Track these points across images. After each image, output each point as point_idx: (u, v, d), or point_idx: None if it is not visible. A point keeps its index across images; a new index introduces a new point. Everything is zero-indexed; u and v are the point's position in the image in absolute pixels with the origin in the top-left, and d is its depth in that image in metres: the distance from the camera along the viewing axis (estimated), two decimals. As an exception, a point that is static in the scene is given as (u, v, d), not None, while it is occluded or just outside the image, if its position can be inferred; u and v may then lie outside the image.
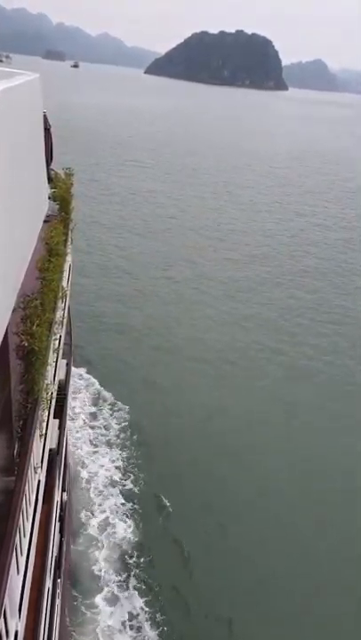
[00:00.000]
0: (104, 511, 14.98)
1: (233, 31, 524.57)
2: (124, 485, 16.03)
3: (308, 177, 68.00)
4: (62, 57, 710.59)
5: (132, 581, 13.13)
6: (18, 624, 4.24)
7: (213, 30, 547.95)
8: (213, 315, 27.97)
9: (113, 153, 67.06)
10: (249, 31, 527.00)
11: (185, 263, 34.76)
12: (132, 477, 16.43)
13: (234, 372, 23.05)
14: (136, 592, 12.88)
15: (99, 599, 12.53)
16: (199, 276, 33.03)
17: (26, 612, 4.72)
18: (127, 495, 15.69)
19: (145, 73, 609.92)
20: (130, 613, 12.33)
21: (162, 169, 63.66)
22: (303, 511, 15.88)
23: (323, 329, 27.20)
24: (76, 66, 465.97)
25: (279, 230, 44.55)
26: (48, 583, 6.08)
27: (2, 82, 4.56)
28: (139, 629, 12.04)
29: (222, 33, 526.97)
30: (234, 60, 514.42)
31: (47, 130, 9.68)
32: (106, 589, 12.79)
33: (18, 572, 4.40)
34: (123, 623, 12.09)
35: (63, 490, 9.44)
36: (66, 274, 10.31)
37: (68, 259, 11.38)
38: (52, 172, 12.04)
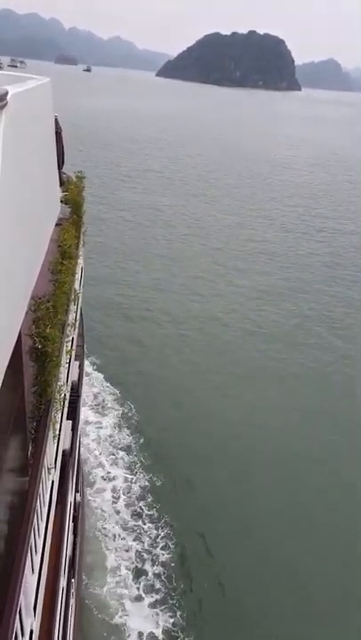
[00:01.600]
0: (117, 511, 15.03)
1: (245, 32, 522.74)
2: (136, 484, 16.08)
3: (333, 187, 62.85)
4: (74, 61, 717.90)
5: (146, 581, 13.15)
6: (33, 623, 4.29)
7: (226, 31, 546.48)
8: (227, 322, 27.85)
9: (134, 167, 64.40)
10: (261, 31, 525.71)
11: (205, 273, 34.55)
12: (145, 476, 16.47)
13: (244, 374, 22.97)
14: (150, 592, 12.90)
15: (112, 599, 12.57)
16: (214, 286, 32.99)
17: (41, 612, 4.76)
18: (140, 494, 15.73)
19: (157, 75, 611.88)
20: (144, 614, 12.34)
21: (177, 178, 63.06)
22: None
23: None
24: (88, 70, 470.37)
25: (306, 250, 40.23)
26: (62, 583, 6.14)
27: (13, 86, 4.63)
28: (153, 629, 12.04)
29: (234, 34, 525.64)
30: (246, 61, 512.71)
31: (58, 133, 9.78)
32: (119, 590, 12.82)
33: (33, 572, 4.45)
34: (136, 627, 12.10)
35: (76, 491, 9.51)
36: (78, 276, 10.41)
37: (80, 261, 11.49)
38: (64, 176, 12.15)
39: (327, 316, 28.79)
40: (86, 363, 18.03)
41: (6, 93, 4.10)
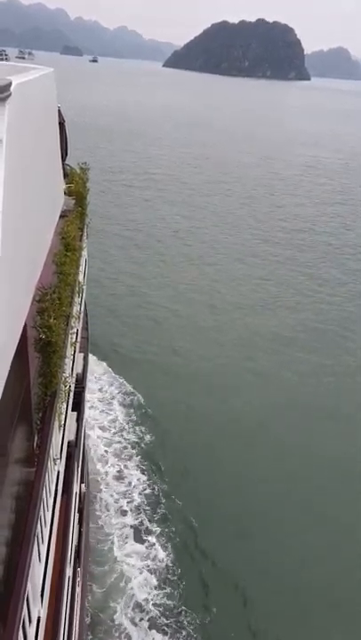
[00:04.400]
0: (121, 502, 15.14)
1: (254, 20, 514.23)
2: (141, 477, 16.17)
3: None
4: (80, 52, 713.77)
5: (151, 572, 13.26)
6: (40, 611, 4.35)
7: (234, 19, 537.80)
8: (236, 314, 27.66)
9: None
10: (270, 19, 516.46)
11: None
12: (150, 469, 16.55)
13: (254, 364, 22.93)
14: (155, 583, 13.02)
15: (117, 589, 12.71)
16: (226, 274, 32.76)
17: (47, 600, 4.83)
18: (145, 487, 15.83)
19: (163, 66, 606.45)
20: (148, 605, 12.46)
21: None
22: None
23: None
24: (94, 61, 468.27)
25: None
26: (68, 572, 6.21)
27: (17, 76, 4.59)
28: (156, 619, 12.17)
29: (243, 22, 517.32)
30: (254, 50, 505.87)
31: (61, 124, 9.71)
32: (124, 579, 12.96)
33: (39, 561, 4.50)
34: (141, 613, 12.25)
35: (82, 481, 9.59)
36: (82, 268, 10.41)
37: (84, 253, 11.48)
38: (67, 168, 12.08)
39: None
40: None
41: (10, 84, 4.07)
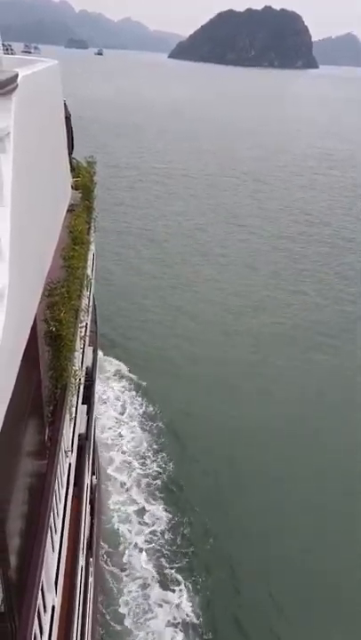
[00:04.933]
0: (132, 495, 15.26)
1: (260, 7, 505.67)
2: (151, 468, 16.26)
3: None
4: (85, 45, 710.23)
5: (162, 562, 13.37)
6: (54, 599, 4.42)
7: (240, 7, 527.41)
8: (245, 302, 27.50)
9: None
10: (277, 6, 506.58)
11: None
12: (159, 460, 16.61)
13: (264, 357, 22.79)
14: (165, 573, 13.13)
15: (128, 579, 12.85)
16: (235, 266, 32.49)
17: (61, 589, 4.90)
18: (155, 477, 15.92)
19: (169, 57, 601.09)
20: (160, 595, 12.59)
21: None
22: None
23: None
24: (99, 53, 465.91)
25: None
26: (81, 561, 6.29)
27: (23, 69, 4.58)
28: (169, 609, 12.29)
29: (249, 10, 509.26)
30: (261, 39, 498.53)
31: (67, 118, 9.69)
32: (135, 570, 13.09)
33: (53, 550, 4.57)
34: (153, 603, 12.37)
35: (92, 473, 9.69)
36: (90, 262, 10.44)
37: (92, 247, 11.50)
38: (74, 162, 12.07)
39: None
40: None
41: (16, 76, 4.05)
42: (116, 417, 18.63)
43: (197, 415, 18.93)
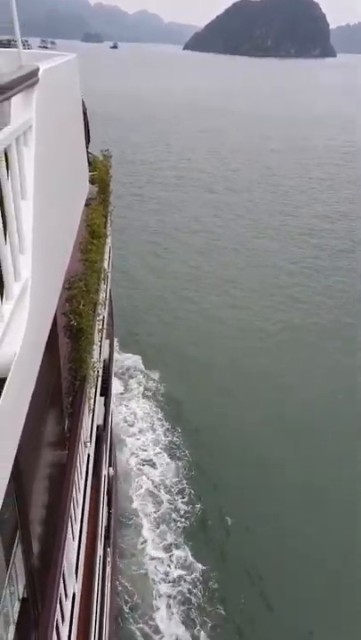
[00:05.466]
0: (147, 486, 15.40)
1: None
2: (165, 460, 16.36)
3: None
4: (101, 38, 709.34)
5: (178, 553, 13.48)
6: (75, 586, 4.51)
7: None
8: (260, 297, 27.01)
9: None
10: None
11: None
12: (174, 452, 16.66)
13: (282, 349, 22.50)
14: (182, 563, 13.23)
15: (144, 570, 13.01)
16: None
17: (81, 577, 5.00)
18: (170, 469, 16.00)
19: (184, 49, 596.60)
20: (175, 587, 12.70)
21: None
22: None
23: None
24: (115, 47, 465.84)
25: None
26: (99, 551, 6.40)
27: (43, 62, 4.60)
28: (184, 600, 12.42)
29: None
30: (277, 28, 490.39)
31: (83, 113, 9.73)
32: (151, 562, 13.24)
33: (73, 539, 4.66)
34: (168, 596, 12.50)
35: (109, 465, 9.81)
36: (107, 255, 10.50)
37: (108, 241, 11.56)
38: (90, 155, 12.12)
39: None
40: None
41: (38, 69, 4.07)
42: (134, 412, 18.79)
43: (211, 409, 18.81)
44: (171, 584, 12.78)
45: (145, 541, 13.70)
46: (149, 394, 19.48)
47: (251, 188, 48.13)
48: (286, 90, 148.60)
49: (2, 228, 2.75)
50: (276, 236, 36.36)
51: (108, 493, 8.66)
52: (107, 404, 8.98)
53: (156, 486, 15.44)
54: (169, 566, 13.19)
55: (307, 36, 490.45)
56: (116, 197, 13.53)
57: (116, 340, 20.54)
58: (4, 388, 2.49)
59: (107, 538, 8.18)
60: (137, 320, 24.22)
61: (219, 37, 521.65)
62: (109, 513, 9.11)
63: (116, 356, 20.20)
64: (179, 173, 51.35)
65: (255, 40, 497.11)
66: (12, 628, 3.31)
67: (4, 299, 2.81)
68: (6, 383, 2.52)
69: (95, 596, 5.61)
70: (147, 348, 22.31)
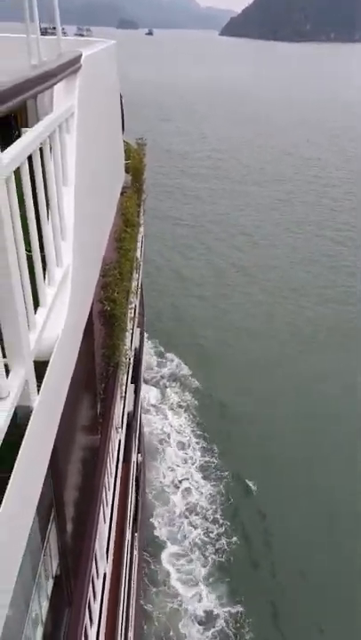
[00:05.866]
0: (174, 472, 15.55)
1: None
2: (193, 448, 16.45)
3: None
4: (136, 25, 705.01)
5: (202, 540, 13.61)
6: (106, 567, 4.62)
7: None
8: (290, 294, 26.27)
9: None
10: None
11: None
12: (202, 440, 16.72)
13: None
14: (205, 551, 13.35)
15: (169, 556, 13.20)
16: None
17: (111, 559, 5.11)
18: (197, 458, 16.10)
19: (220, 35, 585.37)
20: (198, 573, 12.85)
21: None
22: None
23: None
24: (150, 33, 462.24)
25: None
26: (128, 535, 6.52)
27: (84, 49, 4.60)
28: (207, 586, 12.56)
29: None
30: (317, 12, 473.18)
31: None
32: (176, 547, 13.42)
33: (104, 521, 4.76)
34: (192, 581, 12.67)
35: (138, 451, 9.94)
36: (139, 244, 10.53)
37: (141, 230, 11.57)
38: (124, 144, 12.07)
39: None
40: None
41: (80, 55, 4.07)
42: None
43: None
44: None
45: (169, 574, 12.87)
46: (186, 404, 18.47)
47: (287, 179, 46.35)
48: (326, 77, 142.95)
49: (45, 214, 2.78)
50: (314, 232, 34.59)
51: (136, 479, 8.80)
52: (137, 392, 9.07)
53: (188, 510, 14.50)
54: (199, 601, 12.36)
55: (347, 19, 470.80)
56: (148, 187, 13.37)
57: (155, 341, 20.47)
58: (47, 370, 2.54)
59: (134, 523, 8.33)
60: (171, 319, 23.48)
61: (255, 22, 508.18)
62: (137, 499, 9.26)
63: (153, 360, 19.99)
64: (214, 164, 50.30)
65: (293, 24, 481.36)
66: (45, 604, 3.41)
67: (47, 284, 2.84)
68: (49, 365, 2.56)
69: (124, 577, 5.74)
70: (185, 351, 21.16)
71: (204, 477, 15.52)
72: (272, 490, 15.11)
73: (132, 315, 9.09)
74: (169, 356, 20.76)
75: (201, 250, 31.22)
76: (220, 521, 14.25)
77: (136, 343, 10.38)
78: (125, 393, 6.98)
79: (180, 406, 18.29)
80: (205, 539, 13.75)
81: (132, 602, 7.03)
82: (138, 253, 10.07)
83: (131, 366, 8.20)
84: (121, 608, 5.27)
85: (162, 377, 19.72)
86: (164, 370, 20.07)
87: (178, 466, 15.83)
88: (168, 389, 19.09)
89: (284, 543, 13.67)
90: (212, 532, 13.92)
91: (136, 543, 8.56)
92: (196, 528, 13.97)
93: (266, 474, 15.55)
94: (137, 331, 10.79)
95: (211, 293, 26.17)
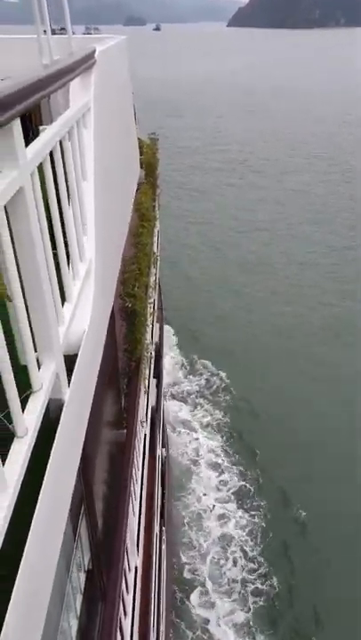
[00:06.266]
0: (199, 466, 15.46)
1: None
2: (216, 443, 16.22)
3: None
4: (143, 21, 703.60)
5: (230, 533, 13.41)
6: (137, 560, 4.65)
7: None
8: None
9: None
10: None
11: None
12: (224, 435, 16.47)
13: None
14: (235, 542, 13.14)
15: (195, 551, 13.16)
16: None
17: (142, 551, 5.14)
18: (220, 451, 15.84)
19: (228, 26, 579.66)
20: (227, 567, 12.71)
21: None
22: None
23: None
24: (157, 29, 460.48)
25: None
26: (156, 528, 6.55)
27: (98, 44, 4.60)
28: (237, 581, 12.40)
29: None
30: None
31: None
32: (203, 541, 13.37)
33: (134, 514, 4.78)
34: (221, 576, 12.51)
35: (162, 446, 9.97)
36: (155, 239, 10.52)
37: (157, 224, 11.56)
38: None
39: None
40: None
41: (94, 51, 4.07)
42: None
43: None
44: None
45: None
46: (219, 421, 17.05)
47: (304, 172, 44.48)
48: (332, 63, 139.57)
49: (68, 209, 2.79)
50: (336, 228, 32.73)
51: (160, 474, 8.82)
52: (158, 386, 9.09)
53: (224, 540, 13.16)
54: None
55: (357, 3, 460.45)
56: (161, 183, 13.14)
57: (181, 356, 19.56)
58: (76, 363, 2.55)
59: (161, 517, 8.36)
60: (196, 322, 22.07)
61: (263, 12, 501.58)
62: (163, 492, 9.29)
63: (180, 373, 19.03)
64: (225, 157, 49.69)
65: (302, 12, 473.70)
66: (79, 598, 3.43)
67: (72, 279, 2.86)
68: (78, 358, 2.58)
69: (154, 570, 5.77)
70: (215, 361, 19.66)
71: (241, 505, 14.00)
72: (322, 521, 13.24)
73: (152, 309, 9.09)
74: (198, 367, 19.24)
75: (218, 247, 30.23)
76: (261, 557, 12.64)
77: (156, 338, 10.40)
78: (148, 387, 7.00)
79: (213, 424, 16.85)
80: (247, 576, 12.21)
81: (163, 595, 7.07)
82: (155, 248, 10.07)
83: (152, 360, 8.21)
84: (152, 601, 5.30)
85: (189, 393, 18.21)
86: (193, 385, 18.57)
87: (212, 491, 14.48)
88: (198, 406, 17.61)
89: (335, 589, 11.64)
90: (253, 570, 12.32)
91: (164, 537, 8.59)
92: (235, 563, 12.47)
93: (314, 501, 13.77)
94: (156, 325, 10.81)
95: (232, 294, 24.71)
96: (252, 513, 13.78)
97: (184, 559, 12.68)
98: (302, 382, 18.32)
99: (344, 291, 24.94)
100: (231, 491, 14.50)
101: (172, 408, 17.04)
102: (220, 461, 15.43)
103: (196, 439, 16.09)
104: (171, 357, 19.34)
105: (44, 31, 5.35)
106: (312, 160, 48.77)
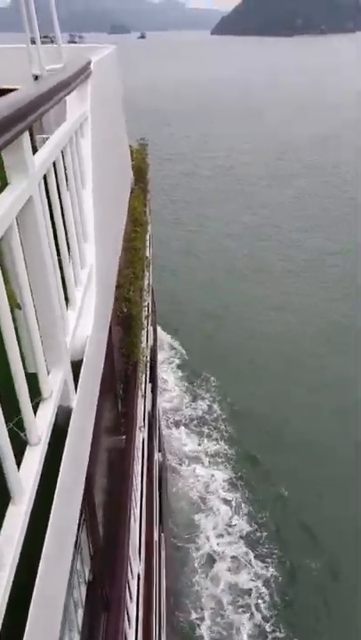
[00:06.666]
0: (194, 470, 15.35)
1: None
2: (211, 446, 16.08)
3: None
4: (127, 30, 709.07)
5: (230, 538, 13.32)
6: (139, 567, 4.58)
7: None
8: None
9: None
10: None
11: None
12: (220, 437, 16.31)
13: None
14: (236, 547, 13.08)
15: (194, 556, 13.08)
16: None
17: (143, 558, 5.07)
18: (217, 454, 15.72)
19: (212, 34, 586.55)
20: (225, 574, 12.62)
21: None
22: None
23: None
24: (142, 37, 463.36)
25: None
26: (155, 535, 6.48)
27: (91, 54, 4.65)
28: (235, 581, 12.29)
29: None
30: (307, 5, 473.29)
31: None
32: (201, 545, 13.26)
33: (135, 521, 4.73)
34: (219, 580, 12.49)
35: (159, 450, 9.92)
36: (148, 243, 10.54)
37: (149, 229, 11.60)
38: None
39: None
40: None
41: (90, 62, 4.13)
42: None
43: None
44: None
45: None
46: (226, 454, 15.80)
47: (297, 177, 43.98)
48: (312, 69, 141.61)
49: (70, 217, 2.85)
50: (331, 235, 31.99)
51: (158, 479, 8.76)
52: (154, 391, 9.05)
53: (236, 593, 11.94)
54: None
55: (337, 10, 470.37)
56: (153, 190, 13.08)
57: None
58: (82, 369, 2.56)
59: (160, 523, 8.29)
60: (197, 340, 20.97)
61: (246, 20, 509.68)
62: (161, 498, 9.22)
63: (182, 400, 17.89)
64: (216, 164, 49.60)
65: (284, 19, 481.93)
66: (80, 611, 3.36)
67: (75, 285, 2.89)
68: (82, 364, 2.58)
69: (155, 576, 5.70)
70: (218, 382, 18.57)
71: (254, 552, 12.77)
72: (342, 567, 12.04)
73: (147, 313, 9.09)
74: (200, 392, 18.17)
75: (215, 252, 29.66)
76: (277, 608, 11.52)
77: (151, 342, 10.37)
78: (145, 392, 6.96)
79: (219, 456, 15.63)
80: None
81: (163, 600, 6.99)
82: (147, 252, 10.07)
83: (148, 365, 8.18)
84: (154, 606, 5.23)
85: (191, 419, 17.11)
86: (197, 411, 17.47)
87: (220, 535, 13.39)
88: (203, 436, 16.45)
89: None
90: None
91: (163, 544, 8.52)
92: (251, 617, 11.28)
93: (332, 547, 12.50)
94: (150, 329, 10.79)
95: (231, 308, 23.55)
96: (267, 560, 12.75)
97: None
98: (299, 390, 17.85)
99: (346, 294, 24.38)
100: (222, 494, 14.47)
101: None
102: (211, 463, 15.48)
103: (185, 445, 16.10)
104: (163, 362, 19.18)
105: (33, 41, 5.37)
106: (305, 166, 48.55)
